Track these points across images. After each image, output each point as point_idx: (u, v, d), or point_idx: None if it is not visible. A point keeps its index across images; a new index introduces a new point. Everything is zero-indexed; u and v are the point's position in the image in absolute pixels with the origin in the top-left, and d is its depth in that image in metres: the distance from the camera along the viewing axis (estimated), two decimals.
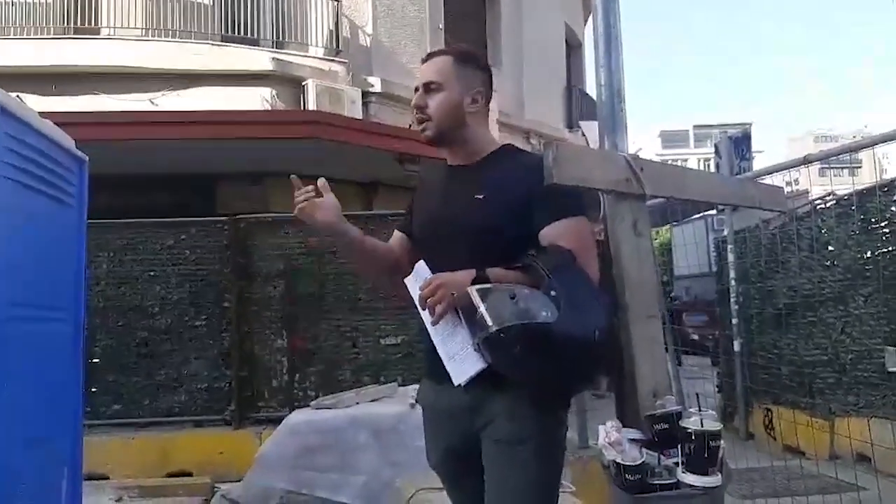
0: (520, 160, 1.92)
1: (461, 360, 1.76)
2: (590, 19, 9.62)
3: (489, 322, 1.59)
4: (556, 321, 1.60)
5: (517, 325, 1.58)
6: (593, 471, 3.06)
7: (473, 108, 1.95)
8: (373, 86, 10.23)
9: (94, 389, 5.97)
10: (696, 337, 10.96)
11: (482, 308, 1.62)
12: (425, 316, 1.78)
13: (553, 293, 1.65)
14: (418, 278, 1.87)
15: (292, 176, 1.98)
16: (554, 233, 1.79)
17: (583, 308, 1.65)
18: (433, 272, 1.83)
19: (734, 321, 6.34)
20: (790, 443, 5.07)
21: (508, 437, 1.78)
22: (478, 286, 1.67)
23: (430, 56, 2.04)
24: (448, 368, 1.79)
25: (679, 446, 1.73)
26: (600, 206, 1.98)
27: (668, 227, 11.59)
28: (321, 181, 1.98)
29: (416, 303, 1.79)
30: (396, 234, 2.19)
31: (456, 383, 1.77)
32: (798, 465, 4.21)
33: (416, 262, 1.92)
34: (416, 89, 1.98)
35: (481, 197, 1.86)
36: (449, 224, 1.93)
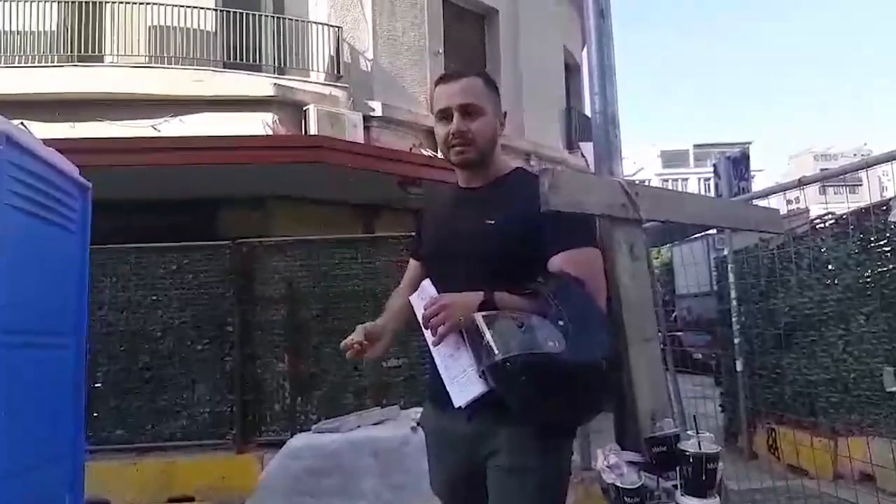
0: (531, 184, 1.80)
1: (463, 382, 1.74)
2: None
3: (495, 351, 1.57)
4: (563, 352, 1.58)
5: (523, 355, 1.56)
6: (595, 493, 3.05)
7: (501, 130, 1.97)
8: (374, 110, 10.33)
9: (95, 414, 5.97)
10: (699, 356, 10.92)
11: (488, 335, 1.60)
12: (428, 336, 1.77)
13: (561, 323, 1.63)
14: (423, 297, 1.86)
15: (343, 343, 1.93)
16: (564, 261, 1.78)
17: (590, 338, 1.63)
18: (441, 293, 1.82)
19: (736, 341, 6.33)
20: (793, 463, 5.05)
21: (513, 466, 1.77)
22: (484, 313, 1.66)
23: (453, 77, 1.96)
24: (449, 390, 1.77)
25: (677, 469, 1.74)
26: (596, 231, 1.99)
27: (668, 246, 11.58)
28: (362, 337, 1.93)
29: (420, 322, 1.79)
30: (412, 262, 2.18)
31: (456, 405, 1.75)
32: (801, 486, 4.19)
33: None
34: (447, 110, 1.91)
35: (492, 222, 1.85)
36: (459, 247, 1.91)
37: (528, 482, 1.76)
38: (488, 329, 1.61)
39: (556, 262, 1.79)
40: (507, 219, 1.85)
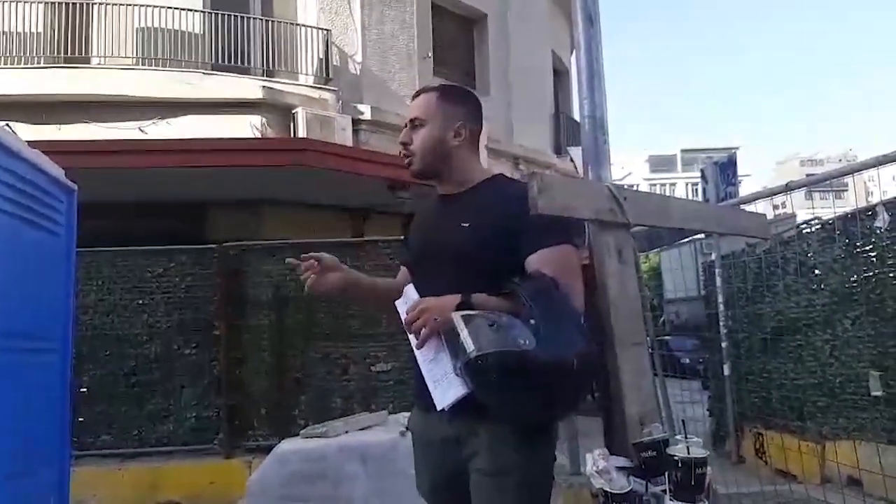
0: (506, 189, 1.94)
1: (445, 385, 1.78)
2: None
3: (469, 348, 1.61)
4: (534, 348, 1.61)
5: (495, 352, 1.60)
6: (584, 498, 3.05)
7: (457, 141, 2.00)
8: (363, 113, 10.31)
9: (81, 419, 5.91)
10: (687, 360, 10.95)
11: (464, 334, 1.63)
12: (412, 340, 1.80)
13: (532, 321, 1.66)
14: (406, 301, 1.90)
15: (289, 260, 2.07)
16: (539, 260, 1.82)
17: (561, 335, 1.66)
18: (422, 297, 1.86)
19: (723, 345, 6.36)
20: (781, 467, 5.07)
21: (492, 469, 1.79)
22: (462, 312, 1.69)
23: (417, 93, 2.10)
24: (432, 393, 1.81)
25: (666, 474, 1.74)
26: (585, 234, 2.00)
27: (656, 251, 11.62)
28: (312, 256, 2.04)
29: (404, 326, 1.82)
30: (402, 269, 2.24)
31: (439, 407, 1.79)
32: (788, 490, 4.20)
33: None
34: (406, 125, 2.05)
35: (467, 225, 1.90)
36: (436, 251, 1.97)
37: (507, 483, 1.78)
38: (465, 327, 1.64)
39: (532, 262, 1.83)
40: (482, 221, 1.89)
